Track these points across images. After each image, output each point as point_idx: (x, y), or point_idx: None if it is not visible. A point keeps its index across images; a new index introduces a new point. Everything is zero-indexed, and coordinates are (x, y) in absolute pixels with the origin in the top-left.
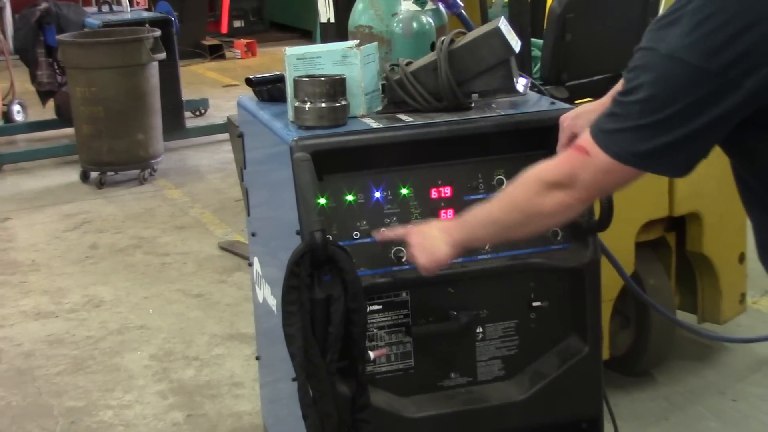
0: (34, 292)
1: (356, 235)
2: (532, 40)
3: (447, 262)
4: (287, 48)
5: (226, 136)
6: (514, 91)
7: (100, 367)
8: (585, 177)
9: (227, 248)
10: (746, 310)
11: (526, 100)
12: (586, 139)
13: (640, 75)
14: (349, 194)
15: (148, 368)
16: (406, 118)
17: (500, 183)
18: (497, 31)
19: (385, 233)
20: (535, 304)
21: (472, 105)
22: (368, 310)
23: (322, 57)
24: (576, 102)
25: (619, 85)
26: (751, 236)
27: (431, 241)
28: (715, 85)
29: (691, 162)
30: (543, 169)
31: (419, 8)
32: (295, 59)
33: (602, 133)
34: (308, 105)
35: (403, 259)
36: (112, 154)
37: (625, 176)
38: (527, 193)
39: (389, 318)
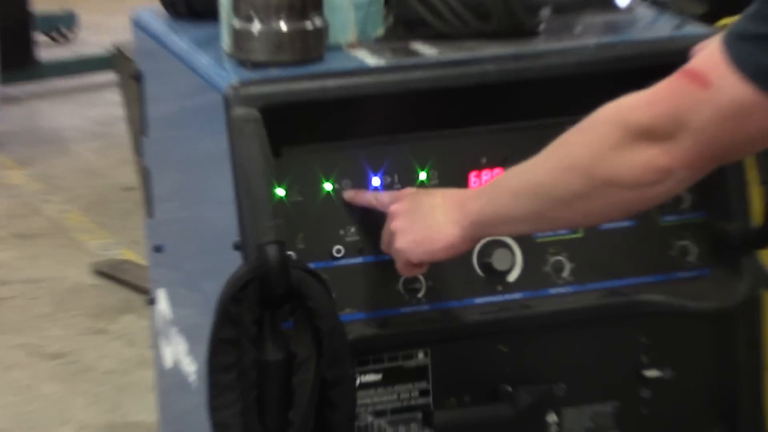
0: None
1: (339, 251)
2: None
3: (451, 255)
4: None
5: (110, 77)
6: (612, 5)
7: None
8: (699, 121)
9: (108, 273)
10: None
11: (632, 20)
12: (705, 60)
13: None
14: (327, 181)
15: None
16: (426, 50)
17: None
18: None
19: (363, 195)
20: (648, 373)
21: (541, 28)
22: (358, 381)
23: None
24: (721, 22)
25: None
26: None
27: (429, 215)
28: None
29: None
30: (627, 107)
31: None
32: None
33: (739, 39)
34: (257, 26)
35: (381, 247)
36: None
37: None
38: (598, 144)
39: (395, 397)
